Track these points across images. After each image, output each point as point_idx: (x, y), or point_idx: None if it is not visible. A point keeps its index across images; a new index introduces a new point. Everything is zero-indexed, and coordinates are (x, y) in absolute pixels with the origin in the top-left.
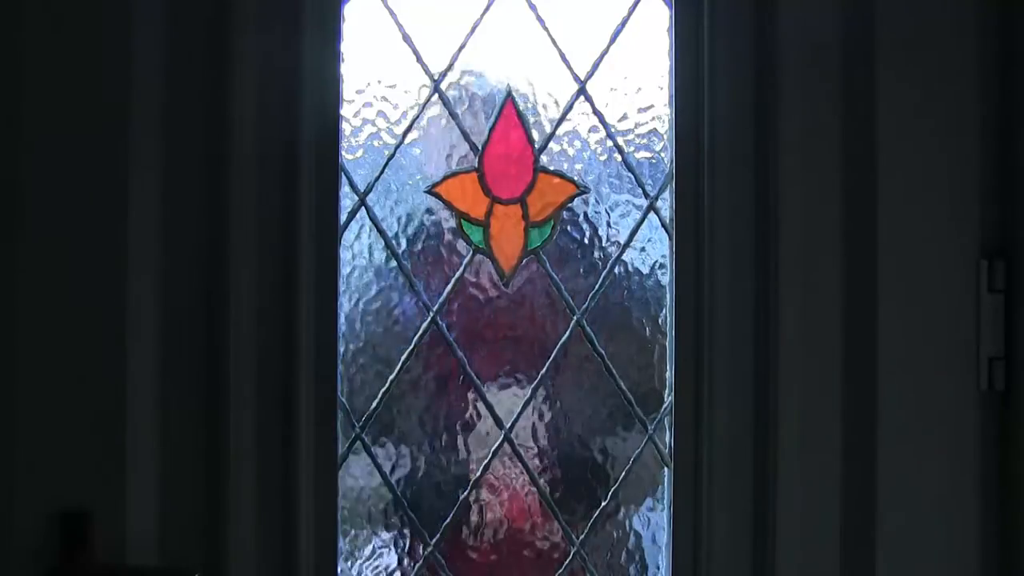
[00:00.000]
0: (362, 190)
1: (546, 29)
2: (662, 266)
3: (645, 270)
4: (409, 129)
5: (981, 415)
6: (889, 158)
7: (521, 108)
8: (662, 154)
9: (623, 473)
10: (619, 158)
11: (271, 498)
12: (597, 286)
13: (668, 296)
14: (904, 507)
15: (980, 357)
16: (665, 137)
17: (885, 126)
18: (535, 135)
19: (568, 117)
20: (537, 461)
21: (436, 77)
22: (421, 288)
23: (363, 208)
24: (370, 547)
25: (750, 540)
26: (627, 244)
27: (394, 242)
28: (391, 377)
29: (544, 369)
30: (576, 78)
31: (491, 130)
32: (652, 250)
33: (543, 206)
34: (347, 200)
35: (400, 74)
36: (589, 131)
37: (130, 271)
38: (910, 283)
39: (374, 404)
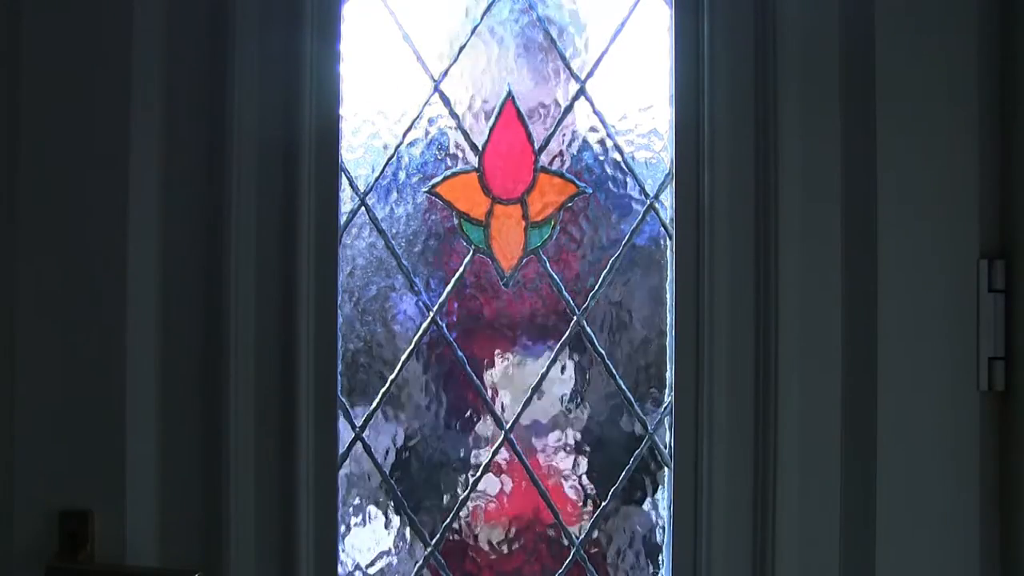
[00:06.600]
0: (362, 190)
1: (546, 29)
2: (662, 266)
3: (645, 270)
4: (409, 129)
5: (981, 415)
6: (889, 157)
7: (521, 108)
8: (662, 154)
9: (623, 473)
10: (619, 158)
11: (271, 498)
12: (597, 286)
13: (668, 296)
14: (904, 507)
15: (980, 357)
16: (665, 137)
17: (885, 125)
18: (535, 135)
19: (568, 117)
20: (537, 461)
21: (436, 77)
22: (421, 288)
23: (363, 208)
24: (370, 547)
25: (750, 540)
26: (627, 244)
27: (394, 242)
28: (391, 377)
29: (544, 369)
30: (576, 78)
31: (491, 130)
32: (652, 249)
33: (543, 206)
34: (347, 200)
35: (400, 74)
36: (589, 131)
37: (129, 271)
38: (910, 283)
39: (374, 404)
